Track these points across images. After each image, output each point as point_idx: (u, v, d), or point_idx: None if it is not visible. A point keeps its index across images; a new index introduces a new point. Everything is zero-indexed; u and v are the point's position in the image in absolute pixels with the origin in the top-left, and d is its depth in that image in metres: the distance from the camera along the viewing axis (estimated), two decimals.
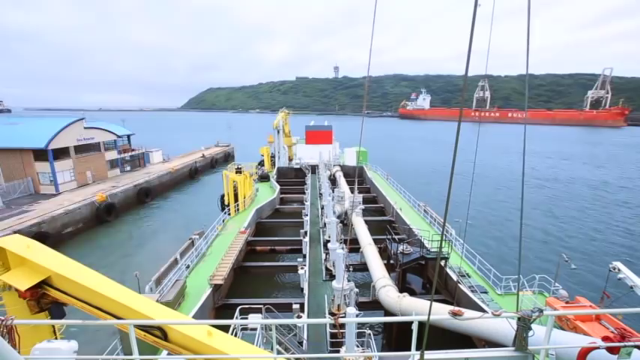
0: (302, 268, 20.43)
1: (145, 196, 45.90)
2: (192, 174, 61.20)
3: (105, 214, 37.74)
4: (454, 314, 5.22)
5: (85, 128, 46.78)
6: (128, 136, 58.67)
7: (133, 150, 58.12)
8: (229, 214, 31.00)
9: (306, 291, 19.21)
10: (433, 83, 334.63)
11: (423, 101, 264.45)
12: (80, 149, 45.31)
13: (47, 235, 31.33)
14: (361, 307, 17.51)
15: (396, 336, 17.74)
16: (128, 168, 55.40)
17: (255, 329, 13.22)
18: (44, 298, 5.95)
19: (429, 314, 4.30)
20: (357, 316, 13.87)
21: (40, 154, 40.20)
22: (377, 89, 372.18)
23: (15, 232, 29.64)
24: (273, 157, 59.09)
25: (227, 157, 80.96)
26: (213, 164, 71.86)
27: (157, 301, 9.87)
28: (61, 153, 42.19)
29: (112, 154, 51.87)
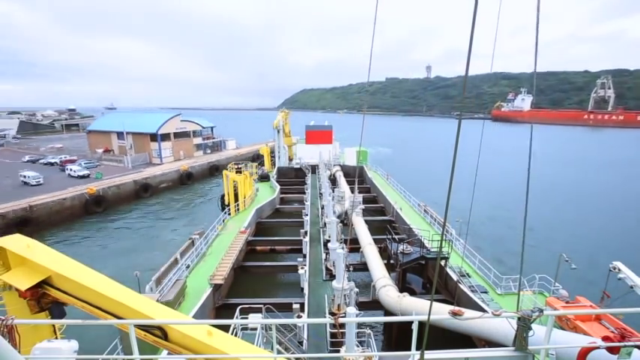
0: (302, 268, 20.42)
1: (215, 170, 65.44)
2: (254, 159, 73.57)
3: (186, 179, 58.41)
4: (454, 314, 5.22)
5: (181, 121, 70.50)
6: (212, 128, 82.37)
7: (213, 138, 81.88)
8: (229, 214, 30.99)
9: (306, 291, 19.21)
10: (541, 81, 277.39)
11: (522, 102, 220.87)
12: (177, 135, 68.34)
13: (149, 186, 50.07)
14: (361, 306, 17.50)
15: (396, 336, 17.74)
16: (209, 151, 77.84)
17: (255, 329, 13.22)
18: (44, 298, 5.95)
19: (429, 314, 4.30)
20: (357, 315, 13.85)
21: (153, 137, 64.28)
22: (472, 89, 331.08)
23: (133, 181, 48.61)
24: (273, 156, 59.06)
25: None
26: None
27: (157, 300, 9.87)
28: (165, 137, 65.68)
29: (198, 140, 75.30)
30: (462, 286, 18.04)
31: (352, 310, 12.70)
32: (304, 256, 23.49)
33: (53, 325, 6.53)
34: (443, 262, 20.14)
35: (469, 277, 19.27)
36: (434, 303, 11.60)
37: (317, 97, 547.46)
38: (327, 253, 23.91)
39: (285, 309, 16.79)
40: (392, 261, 20.92)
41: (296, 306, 16.22)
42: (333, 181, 44.46)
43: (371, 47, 6.88)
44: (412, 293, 17.64)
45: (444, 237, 20.77)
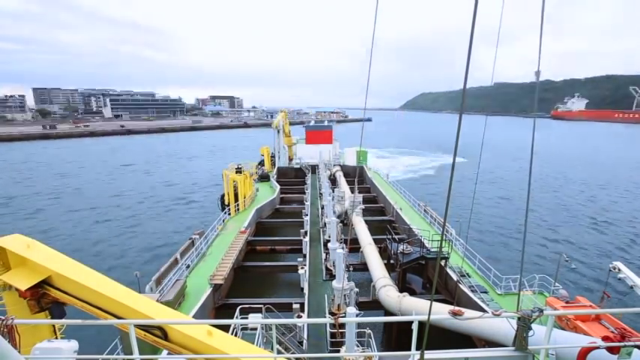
0: (302, 268, 20.41)
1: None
2: None
3: None
4: (454, 314, 5.22)
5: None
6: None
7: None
8: (229, 214, 30.99)
9: (306, 291, 19.20)
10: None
11: (572, 104, 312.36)
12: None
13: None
14: (361, 306, 17.48)
15: (396, 336, 17.74)
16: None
17: (255, 329, 13.21)
18: (44, 298, 5.95)
19: (429, 314, 4.30)
20: (357, 315, 13.84)
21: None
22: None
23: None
24: (273, 156, 59.02)
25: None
26: None
27: (157, 300, 9.86)
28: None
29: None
30: (462, 286, 18.03)
31: (352, 310, 12.70)
32: (304, 256, 23.46)
33: (53, 325, 6.53)
34: (443, 262, 20.14)
35: (469, 277, 19.26)
36: (434, 303, 11.57)
37: (432, 100, 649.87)
38: (327, 253, 23.89)
39: (285, 309, 16.76)
40: (392, 261, 20.91)
41: (296, 306, 16.20)
42: (333, 181, 44.44)
43: (369, 62, 6.90)
44: (412, 293, 17.64)
45: (444, 237, 20.76)
